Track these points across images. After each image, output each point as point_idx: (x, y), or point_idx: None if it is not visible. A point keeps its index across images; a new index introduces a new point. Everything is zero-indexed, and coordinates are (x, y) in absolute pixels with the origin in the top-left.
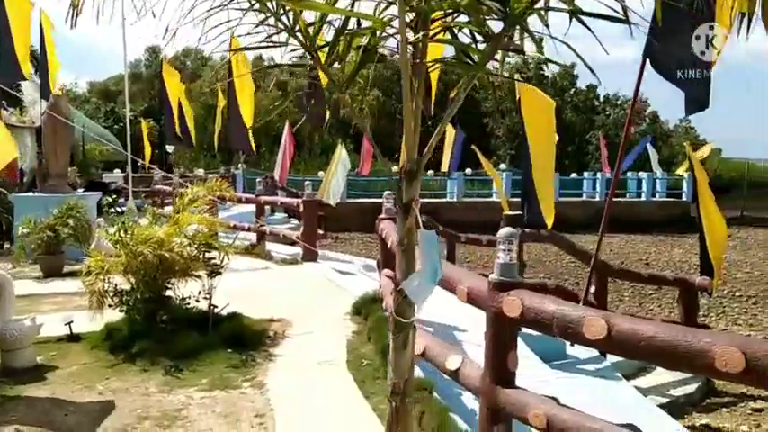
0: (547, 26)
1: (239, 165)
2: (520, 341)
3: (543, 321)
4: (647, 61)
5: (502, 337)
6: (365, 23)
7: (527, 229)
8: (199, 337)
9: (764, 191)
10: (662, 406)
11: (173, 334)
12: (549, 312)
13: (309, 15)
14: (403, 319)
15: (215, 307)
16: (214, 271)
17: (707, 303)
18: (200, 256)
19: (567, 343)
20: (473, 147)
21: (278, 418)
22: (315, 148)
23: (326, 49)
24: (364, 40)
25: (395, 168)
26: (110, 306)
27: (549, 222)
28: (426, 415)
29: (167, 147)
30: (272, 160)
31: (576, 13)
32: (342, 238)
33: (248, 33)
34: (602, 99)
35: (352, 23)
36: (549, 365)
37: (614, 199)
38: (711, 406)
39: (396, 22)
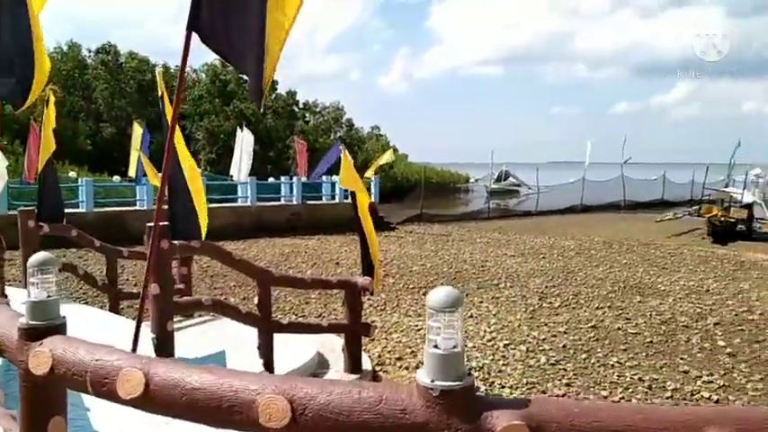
0: None
1: None
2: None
3: (77, 378)
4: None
5: (37, 402)
6: None
7: (177, 242)
8: None
9: (440, 190)
10: None
11: None
12: (84, 365)
13: None
14: None
15: None
16: None
17: (385, 297)
18: None
19: (227, 358)
20: (137, 151)
21: None
22: None
23: None
24: None
25: (72, 174)
26: None
27: (204, 232)
28: None
29: None
30: None
31: None
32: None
33: None
34: (301, 105)
35: None
36: None
37: (310, 202)
38: None
39: None
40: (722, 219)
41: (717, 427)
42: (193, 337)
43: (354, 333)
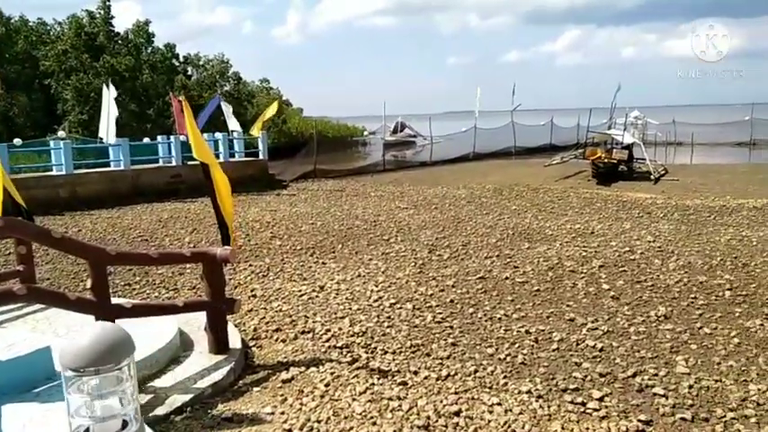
0: None
1: None
2: None
3: None
4: None
5: None
6: None
7: None
8: None
9: (337, 144)
10: (185, 405)
11: None
12: None
13: None
14: None
15: None
16: None
17: (269, 262)
18: None
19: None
20: None
21: None
22: None
23: None
24: None
25: None
26: None
27: None
28: None
29: None
30: None
31: None
32: None
33: None
34: (182, 59)
35: None
36: (29, 394)
37: (192, 162)
38: (242, 389)
39: None
40: (605, 160)
41: None
42: (32, 327)
43: (217, 311)
